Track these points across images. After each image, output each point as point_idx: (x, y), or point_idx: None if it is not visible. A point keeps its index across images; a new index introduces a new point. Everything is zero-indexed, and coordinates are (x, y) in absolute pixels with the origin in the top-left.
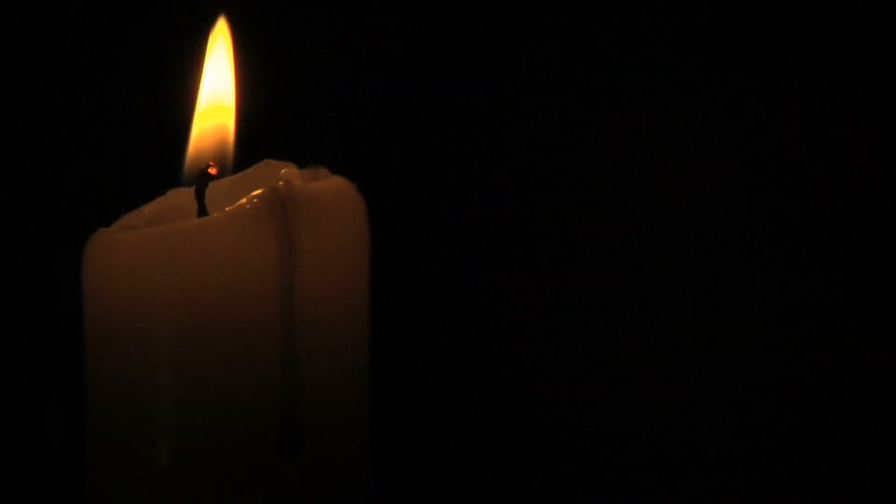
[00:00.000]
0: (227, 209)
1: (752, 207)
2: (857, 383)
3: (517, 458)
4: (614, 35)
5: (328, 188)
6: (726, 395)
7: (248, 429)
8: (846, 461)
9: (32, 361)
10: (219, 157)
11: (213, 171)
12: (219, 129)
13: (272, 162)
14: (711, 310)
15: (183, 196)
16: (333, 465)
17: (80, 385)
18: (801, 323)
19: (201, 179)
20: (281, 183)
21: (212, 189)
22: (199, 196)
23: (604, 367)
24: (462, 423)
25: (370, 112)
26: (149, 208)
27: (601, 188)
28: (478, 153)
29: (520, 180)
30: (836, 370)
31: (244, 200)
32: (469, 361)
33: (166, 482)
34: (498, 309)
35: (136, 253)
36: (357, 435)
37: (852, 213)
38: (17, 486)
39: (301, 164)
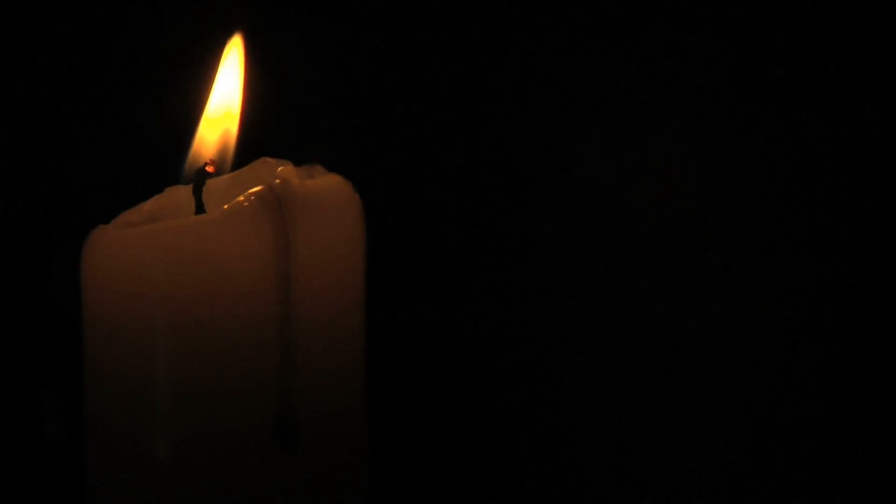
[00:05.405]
0: (224, 207)
1: (751, 206)
2: (857, 382)
3: (514, 455)
4: (614, 34)
5: (324, 186)
6: (725, 395)
7: (245, 423)
8: (845, 460)
9: (32, 358)
10: (219, 158)
11: (210, 169)
12: (223, 133)
13: (269, 160)
14: (710, 309)
15: (181, 193)
16: (330, 459)
17: (79, 380)
18: (799, 321)
19: (199, 177)
20: (277, 181)
21: (209, 186)
22: (197, 193)
23: (603, 366)
24: (458, 419)
25: (366, 110)
26: (147, 205)
27: (601, 187)
28: (475, 151)
29: (518, 179)
30: (834, 369)
31: (241, 198)
32: (466, 359)
33: (165, 476)
34: (495, 306)
35: (135, 250)
36: (353, 430)
37: (851, 212)
38: (17, 483)
39: (297, 162)
